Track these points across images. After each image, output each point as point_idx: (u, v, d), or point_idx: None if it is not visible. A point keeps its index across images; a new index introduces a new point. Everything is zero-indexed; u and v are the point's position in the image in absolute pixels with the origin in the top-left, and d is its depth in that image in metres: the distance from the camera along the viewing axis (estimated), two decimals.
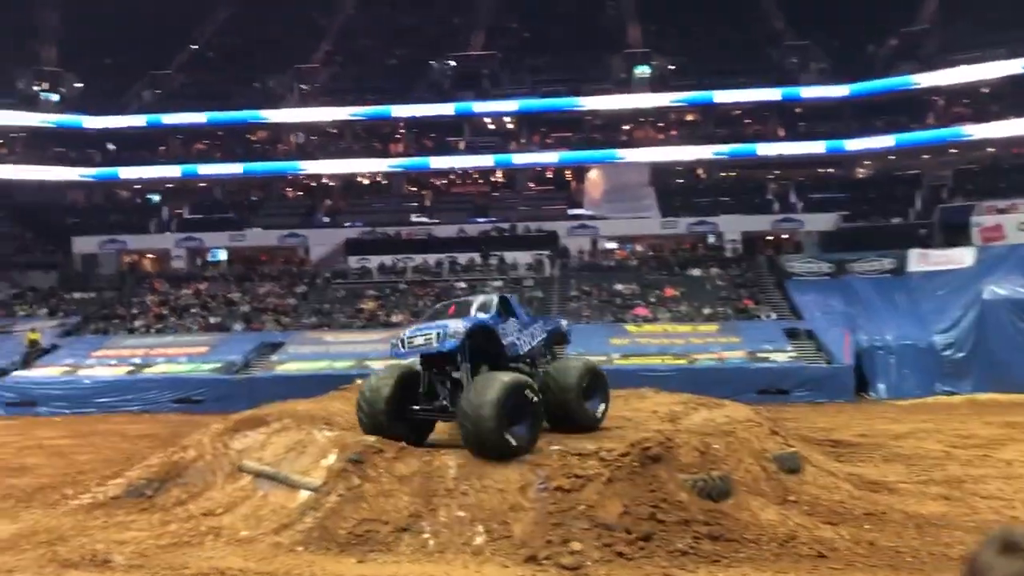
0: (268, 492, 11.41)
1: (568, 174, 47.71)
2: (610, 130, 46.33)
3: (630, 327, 31.31)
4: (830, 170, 46.27)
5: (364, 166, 47.54)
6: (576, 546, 9.55)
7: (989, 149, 42.33)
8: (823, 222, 39.55)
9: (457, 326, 11.45)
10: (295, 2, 53.28)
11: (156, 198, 49.41)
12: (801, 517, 10.71)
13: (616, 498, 10.21)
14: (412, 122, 46.91)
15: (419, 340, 11.54)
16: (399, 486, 10.71)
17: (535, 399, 11.07)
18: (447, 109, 45.57)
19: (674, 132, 46.49)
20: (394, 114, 46.07)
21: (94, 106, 46.90)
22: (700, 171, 46.99)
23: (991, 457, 15.04)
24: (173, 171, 46.82)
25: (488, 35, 51.73)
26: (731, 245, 39.61)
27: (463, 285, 35.01)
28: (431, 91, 46.61)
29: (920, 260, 32.44)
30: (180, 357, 30.62)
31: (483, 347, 11.81)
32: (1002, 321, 27.02)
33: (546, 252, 38.19)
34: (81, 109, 46.75)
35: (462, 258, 38.37)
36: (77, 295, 38.44)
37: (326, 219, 45.15)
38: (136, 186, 49.29)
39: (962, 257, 31.28)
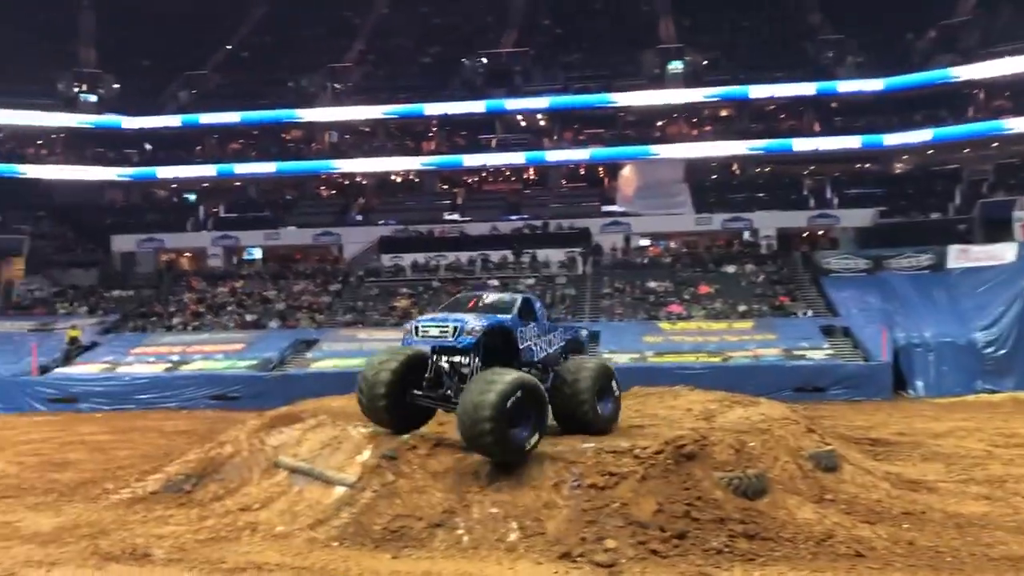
0: (303, 488, 11.52)
1: (601, 171, 47.50)
2: (643, 126, 46.03)
3: (664, 324, 31.15)
4: (867, 165, 45.65)
5: (397, 164, 47.67)
6: (610, 543, 9.53)
7: None
8: (859, 218, 39.03)
9: (476, 323, 11.19)
10: (328, 2, 53.55)
11: (192, 197, 50.00)
12: (838, 516, 10.61)
13: (650, 496, 10.17)
14: (444, 120, 46.96)
15: (434, 332, 11.31)
16: (433, 482, 10.75)
17: (540, 402, 10.75)
18: (479, 107, 45.54)
19: (708, 128, 46.09)
20: (427, 112, 46.15)
21: (131, 107, 47.50)
22: (735, 167, 46.56)
23: None
24: (209, 170, 47.31)
25: (520, 32, 51.66)
26: (766, 241, 39.25)
27: (495, 283, 35.07)
28: (463, 89, 46.61)
29: (960, 256, 31.94)
30: (217, 354, 30.98)
31: (498, 348, 11.54)
32: None
33: (579, 249, 38.10)
34: (119, 110, 47.36)
35: (495, 256, 38.41)
36: (116, 293, 39.02)
37: (359, 217, 45.40)
38: (173, 185, 49.87)
39: (1003, 253, 30.72)
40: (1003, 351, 26.55)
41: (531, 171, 48.47)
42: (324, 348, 30.88)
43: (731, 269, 36.02)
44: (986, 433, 17.85)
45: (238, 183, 48.92)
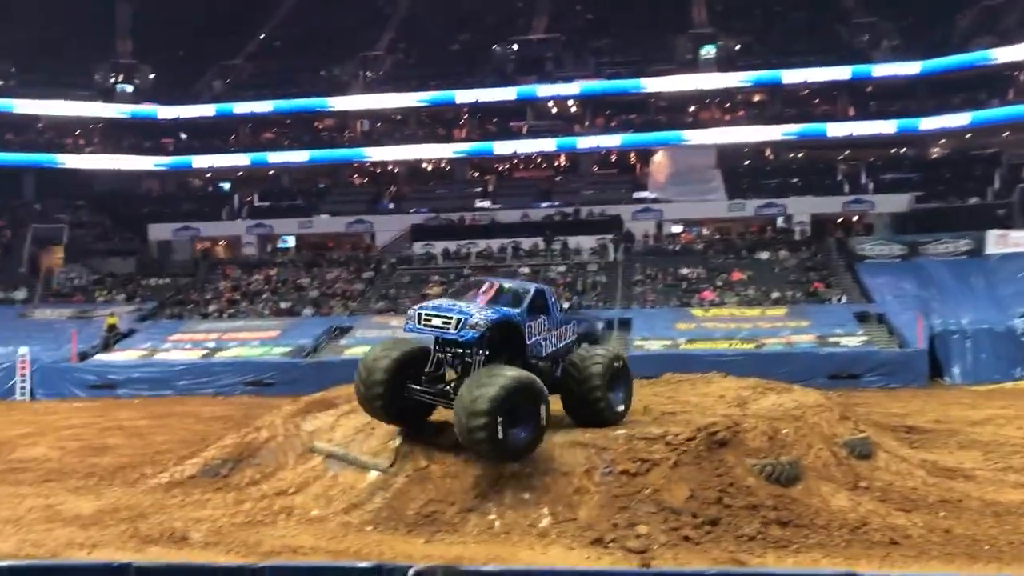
0: (338, 472, 11.65)
1: (632, 157, 47.20)
2: (675, 112, 45.67)
3: (696, 311, 30.98)
4: (903, 150, 44.96)
5: (428, 152, 47.79)
6: (642, 529, 9.54)
7: None
8: (895, 203, 38.49)
9: (481, 316, 10.61)
10: None
11: (227, 186, 50.51)
12: (873, 503, 10.52)
13: (683, 482, 10.17)
14: (475, 107, 46.96)
15: (437, 321, 10.75)
16: (464, 467, 10.81)
17: (538, 402, 10.30)
18: (510, 94, 45.49)
19: (741, 113, 45.63)
20: (458, 99, 46.19)
21: (167, 96, 48.13)
22: (768, 152, 46.08)
23: None
24: (243, 159, 47.78)
25: (551, 18, 51.40)
26: (800, 227, 38.81)
27: (526, 270, 35.06)
28: (494, 76, 46.55)
29: (999, 241, 31.40)
30: (252, 341, 31.31)
31: (505, 342, 11.03)
32: None
33: (610, 236, 37.92)
34: (154, 100, 47.97)
35: (526, 243, 38.36)
36: (153, 281, 39.57)
37: (391, 205, 45.60)
38: (207, 174, 50.39)
39: None
40: None
41: (562, 158, 48.32)
42: (357, 335, 31.06)
43: (764, 255, 35.70)
44: None
45: (271, 172, 49.37)
